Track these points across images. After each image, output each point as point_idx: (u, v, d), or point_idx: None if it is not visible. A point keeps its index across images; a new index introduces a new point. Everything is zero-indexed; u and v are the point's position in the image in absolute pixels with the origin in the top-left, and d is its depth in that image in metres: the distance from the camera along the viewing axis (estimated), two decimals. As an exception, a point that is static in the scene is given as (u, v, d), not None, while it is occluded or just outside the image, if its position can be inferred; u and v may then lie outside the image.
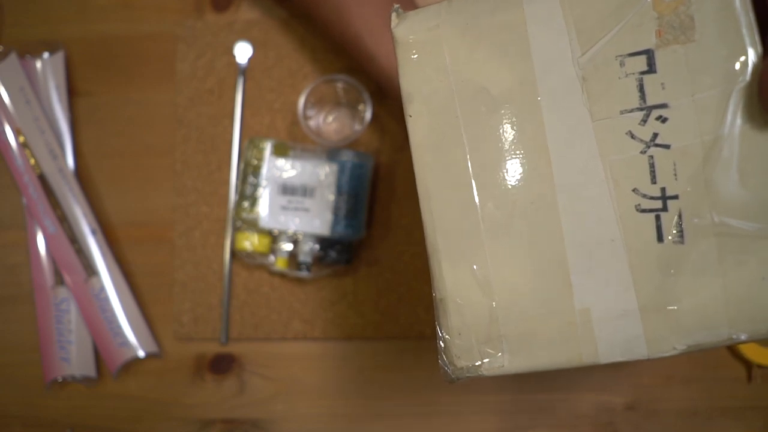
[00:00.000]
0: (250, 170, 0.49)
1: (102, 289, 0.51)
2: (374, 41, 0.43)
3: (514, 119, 0.25)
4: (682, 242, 0.23)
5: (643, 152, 0.23)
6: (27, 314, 0.52)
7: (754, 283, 0.23)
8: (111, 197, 0.53)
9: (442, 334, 0.27)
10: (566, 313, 0.25)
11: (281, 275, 0.51)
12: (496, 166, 0.25)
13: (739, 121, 0.22)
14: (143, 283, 0.52)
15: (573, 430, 0.50)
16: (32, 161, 0.51)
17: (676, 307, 0.23)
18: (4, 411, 0.52)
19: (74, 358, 0.50)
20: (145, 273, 0.52)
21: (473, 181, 0.25)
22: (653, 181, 0.23)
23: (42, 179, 0.51)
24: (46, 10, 0.54)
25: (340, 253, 0.49)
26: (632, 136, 0.24)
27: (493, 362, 0.26)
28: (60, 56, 0.53)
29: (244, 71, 0.53)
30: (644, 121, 0.23)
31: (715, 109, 0.23)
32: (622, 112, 0.24)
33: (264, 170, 0.48)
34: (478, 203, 0.25)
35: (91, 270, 0.51)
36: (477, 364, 0.27)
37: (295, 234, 0.48)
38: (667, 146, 0.23)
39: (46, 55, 0.53)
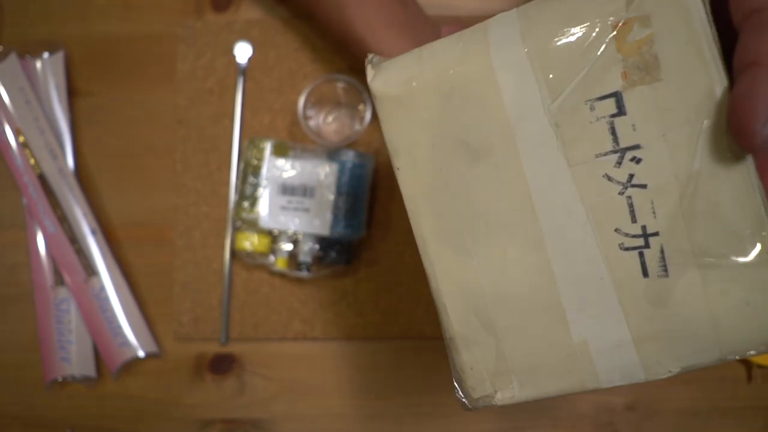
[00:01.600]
0: (250, 170, 0.49)
1: (102, 289, 0.51)
2: (375, 40, 0.43)
3: (494, 170, 0.25)
4: (666, 276, 0.24)
5: (621, 193, 0.24)
6: (27, 314, 0.52)
7: (740, 309, 0.23)
8: (111, 197, 0.53)
9: (456, 370, 0.28)
10: (565, 347, 0.26)
11: (281, 275, 0.51)
12: (483, 216, 0.26)
13: (710, 155, 0.23)
14: (143, 283, 0.52)
15: (573, 430, 0.50)
16: (32, 161, 0.51)
17: (666, 336, 0.25)
18: (3, 411, 0.52)
19: (74, 358, 0.50)
20: (145, 273, 0.52)
21: (464, 231, 0.26)
22: (633, 220, 0.24)
23: (42, 179, 0.51)
24: (46, 10, 0.54)
25: (339, 253, 0.49)
26: (609, 179, 0.24)
27: (504, 393, 0.27)
28: (60, 56, 0.53)
29: (244, 71, 0.53)
30: (619, 163, 0.24)
31: (686, 146, 0.23)
32: (597, 156, 0.24)
33: (264, 170, 0.48)
34: (471, 251, 0.26)
35: (91, 270, 0.51)
36: (490, 394, 0.27)
37: (295, 234, 0.48)
38: (643, 186, 0.24)
39: (46, 55, 0.53)
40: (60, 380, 0.51)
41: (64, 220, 0.51)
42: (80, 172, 0.53)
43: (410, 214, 0.27)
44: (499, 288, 0.26)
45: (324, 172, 0.48)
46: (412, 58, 0.26)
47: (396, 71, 0.26)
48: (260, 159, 0.48)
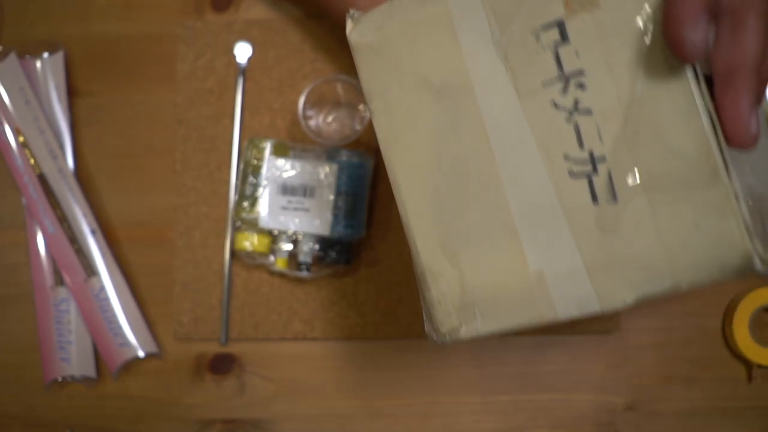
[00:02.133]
0: (249, 170, 0.49)
1: (102, 289, 0.51)
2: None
3: (454, 106, 0.27)
4: (615, 201, 0.24)
5: (568, 120, 0.25)
6: (27, 314, 0.52)
7: (690, 233, 0.23)
8: (111, 197, 0.53)
9: (426, 305, 0.29)
10: (523, 278, 0.27)
11: (281, 275, 0.51)
12: (446, 152, 0.27)
13: (651, 77, 0.23)
14: (143, 283, 0.52)
15: (573, 431, 0.50)
16: (32, 161, 0.51)
17: (619, 263, 0.25)
18: (3, 411, 0.52)
19: (74, 359, 0.50)
20: (145, 273, 0.52)
21: (431, 168, 0.28)
22: (581, 146, 0.25)
23: (42, 179, 0.51)
24: (46, 10, 0.54)
25: (339, 253, 0.49)
26: (556, 106, 0.25)
27: (469, 326, 0.28)
28: (60, 56, 0.53)
29: (244, 71, 0.53)
30: (565, 90, 0.25)
31: (627, 69, 0.23)
32: (544, 85, 0.25)
33: (264, 170, 0.48)
34: (437, 187, 0.28)
35: (90, 270, 0.51)
36: (456, 328, 0.28)
37: (294, 234, 0.48)
38: (589, 111, 0.24)
39: (45, 55, 0.53)
40: (60, 380, 0.51)
41: (63, 220, 0.51)
42: (80, 172, 0.53)
43: (384, 157, 0.29)
44: (461, 220, 0.28)
45: (324, 172, 0.48)
46: (384, 9, 0.28)
47: (369, 21, 0.28)
48: (260, 159, 0.48)
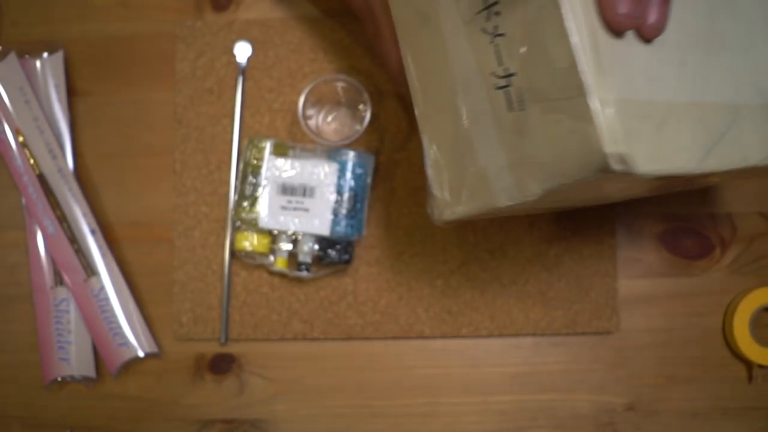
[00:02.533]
0: (249, 170, 0.49)
1: (101, 289, 0.51)
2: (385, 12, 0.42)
3: (431, 29, 0.33)
4: (523, 109, 0.29)
5: (491, 42, 0.30)
6: (26, 314, 0.52)
7: (568, 136, 0.27)
8: (110, 197, 0.53)
9: (431, 194, 0.36)
10: (477, 172, 0.33)
11: (281, 275, 0.51)
12: (433, 71, 0.34)
13: (540, 3, 0.27)
14: (143, 283, 0.52)
15: (573, 431, 0.50)
16: (31, 161, 0.51)
17: (529, 161, 0.30)
18: (3, 411, 0.52)
19: (73, 359, 0.50)
20: (145, 273, 0.52)
21: (428, 83, 0.35)
22: (500, 63, 0.30)
23: (41, 179, 0.51)
24: (46, 10, 0.54)
25: (339, 253, 0.49)
26: (484, 31, 0.30)
27: (454, 209, 0.35)
28: (59, 56, 0.53)
29: (243, 71, 0.52)
30: (488, 18, 0.30)
31: None
32: (476, 14, 0.31)
33: (263, 170, 0.48)
34: (433, 99, 0.35)
35: (90, 270, 0.51)
36: (445, 211, 0.36)
37: (294, 234, 0.48)
38: (503, 34, 0.29)
39: (45, 54, 0.53)
40: (59, 380, 0.51)
41: (63, 220, 0.51)
42: (79, 171, 0.53)
43: (405, 66, 0.36)
44: (437, 121, 0.35)
45: (324, 172, 0.48)
46: None
47: None
48: (260, 159, 0.48)
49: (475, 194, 0.33)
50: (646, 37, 0.28)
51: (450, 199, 0.35)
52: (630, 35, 0.28)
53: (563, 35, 0.26)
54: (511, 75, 0.29)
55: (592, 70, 0.26)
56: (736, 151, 0.30)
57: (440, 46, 0.33)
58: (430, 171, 0.36)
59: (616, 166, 0.26)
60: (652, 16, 0.28)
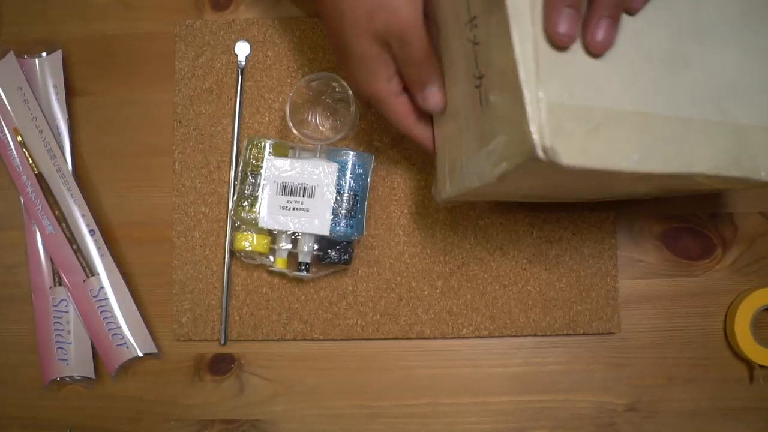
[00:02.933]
0: (249, 170, 0.48)
1: (100, 289, 0.50)
2: None
3: (441, 35, 0.40)
4: (487, 105, 0.34)
5: (473, 49, 0.35)
6: (25, 315, 0.52)
7: (515, 127, 0.31)
8: (109, 197, 0.53)
9: (435, 172, 0.44)
10: (461, 156, 0.39)
11: (280, 275, 0.51)
12: (446, 66, 0.41)
13: (498, 20, 0.32)
14: (142, 284, 0.52)
15: (574, 431, 0.50)
16: (30, 161, 0.51)
17: (492, 149, 0.34)
18: (2, 412, 0.52)
19: (73, 359, 0.50)
20: (144, 273, 0.52)
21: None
22: (477, 66, 0.35)
23: (40, 179, 0.51)
24: (44, 9, 0.54)
25: (339, 253, 0.49)
26: (468, 39, 0.36)
27: (447, 192, 0.42)
28: (58, 55, 0.53)
29: (243, 70, 0.52)
30: (471, 29, 0.35)
31: (486, 13, 0.33)
32: (464, 25, 0.36)
33: (263, 170, 0.48)
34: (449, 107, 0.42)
35: (89, 270, 0.51)
36: (442, 193, 0.43)
37: (294, 234, 0.48)
38: (477, 43, 0.35)
39: (44, 54, 0.53)
40: (58, 381, 0.50)
41: (62, 220, 0.51)
42: (78, 171, 0.53)
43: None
44: (444, 122, 0.42)
45: (324, 172, 0.48)
46: None
47: None
48: (259, 158, 0.48)
49: (458, 178, 0.39)
50: (592, 52, 0.32)
51: (445, 181, 0.42)
52: (578, 48, 0.32)
53: (509, 45, 0.31)
54: (481, 77, 0.35)
55: (530, 77, 0.30)
56: (681, 158, 0.33)
57: (448, 45, 0.39)
58: (437, 158, 0.43)
59: (542, 156, 0.30)
60: (599, 35, 0.32)
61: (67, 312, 0.51)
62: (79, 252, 0.51)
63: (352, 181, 0.48)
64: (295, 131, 0.48)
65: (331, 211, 0.48)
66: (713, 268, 0.51)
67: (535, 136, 0.30)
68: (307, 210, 0.48)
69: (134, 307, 0.51)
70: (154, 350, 0.51)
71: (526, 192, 0.42)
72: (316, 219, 0.48)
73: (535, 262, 0.51)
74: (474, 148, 0.37)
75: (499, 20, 0.32)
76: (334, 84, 0.50)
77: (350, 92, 0.47)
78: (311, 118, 0.52)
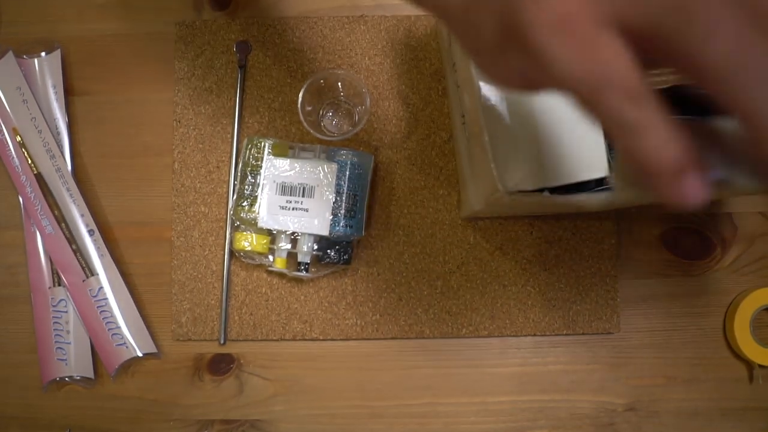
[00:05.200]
0: (248, 170, 0.48)
1: (100, 289, 0.50)
2: None
3: (449, 78, 0.48)
4: (469, 142, 0.42)
5: (456, 91, 0.43)
6: (24, 315, 0.52)
7: (485, 164, 0.36)
8: (109, 197, 0.53)
9: (459, 196, 0.51)
10: (464, 183, 0.47)
11: (280, 275, 0.51)
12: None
13: (466, 70, 0.38)
14: (141, 284, 0.52)
15: (574, 431, 0.50)
16: (29, 161, 0.51)
17: (477, 179, 0.40)
18: (1, 412, 0.52)
19: (72, 359, 0.50)
20: (144, 273, 0.52)
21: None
22: (462, 106, 0.42)
23: (39, 179, 0.51)
24: (43, 9, 0.54)
25: (339, 253, 0.49)
26: (454, 82, 0.43)
27: (463, 209, 0.49)
28: (57, 55, 0.52)
29: (242, 70, 0.52)
30: (454, 72, 0.42)
31: (466, 67, 0.38)
32: (450, 68, 0.43)
33: (263, 170, 0.48)
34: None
35: (88, 270, 0.51)
36: (462, 212, 0.50)
37: (293, 234, 0.48)
38: (459, 86, 0.41)
39: (43, 54, 0.52)
40: (58, 381, 0.50)
41: (61, 220, 0.51)
42: (78, 171, 0.53)
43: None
44: (461, 160, 0.48)
45: (323, 171, 0.48)
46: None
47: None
48: (259, 158, 0.48)
49: (469, 201, 0.46)
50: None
51: (462, 202, 0.50)
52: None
53: (474, 92, 0.36)
54: (464, 115, 0.41)
55: (484, 120, 0.36)
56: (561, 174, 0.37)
57: (453, 87, 0.46)
58: (461, 181, 0.49)
59: (502, 189, 0.35)
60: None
61: (66, 312, 0.51)
62: (79, 252, 0.51)
63: (351, 181, 0.48)
64: (306, 125, 0.48)
65: (331, 211, 0.47)
66: (713, 268, 0.51)
67: (497, 179, 0.35)
68: (306, 210, 0.48)
69: (134, 307, 0.51)
70: (154, 350, 0.51)
71: (528, 209, 0.45)
72: (316, 219, 0.48)
73: (534, 262, 0.51)
74: (469, 175, 0.43)
75: (468, 69, 0.36)
76: (348, 81, 0.50)
77: (365, 92, 0.48)
78: (320, 113, 0.52)
